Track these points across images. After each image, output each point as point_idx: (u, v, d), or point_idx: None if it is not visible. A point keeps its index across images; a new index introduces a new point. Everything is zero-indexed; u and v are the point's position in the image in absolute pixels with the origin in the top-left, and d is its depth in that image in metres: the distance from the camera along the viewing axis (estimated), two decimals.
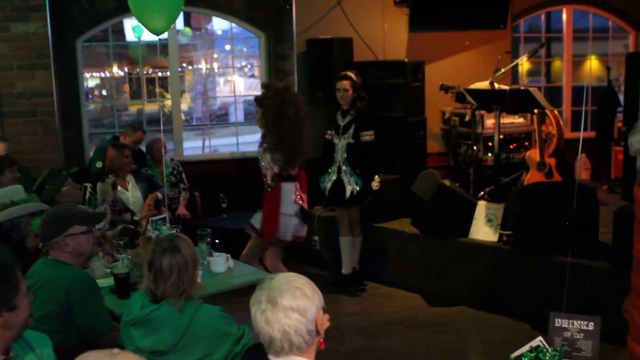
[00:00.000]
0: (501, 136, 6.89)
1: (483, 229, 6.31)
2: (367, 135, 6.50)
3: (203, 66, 15.78)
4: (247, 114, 15.02)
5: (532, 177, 7.07)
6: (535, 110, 6.94)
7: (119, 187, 6.41)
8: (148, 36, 7.17)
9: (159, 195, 6.44)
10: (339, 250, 6.83)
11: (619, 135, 8.42)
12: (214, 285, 4.37)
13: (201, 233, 4.88)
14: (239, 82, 15.19)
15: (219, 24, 12.92)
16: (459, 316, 6.13)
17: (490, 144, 7.27)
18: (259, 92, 7.59)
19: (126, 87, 13.12)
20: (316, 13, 7.78)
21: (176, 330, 3.15)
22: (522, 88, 7.01)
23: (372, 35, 7.93)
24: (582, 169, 8.86)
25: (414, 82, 7.36)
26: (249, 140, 10.70)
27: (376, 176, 6.53)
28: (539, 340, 3.18)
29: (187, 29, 12.05)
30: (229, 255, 4.77)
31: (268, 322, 2.32)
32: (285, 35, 8.40)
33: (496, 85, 6.94)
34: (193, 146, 11.69)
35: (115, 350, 1.86)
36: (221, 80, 16.64)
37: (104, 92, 14.02)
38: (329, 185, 6.64)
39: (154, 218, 5.16)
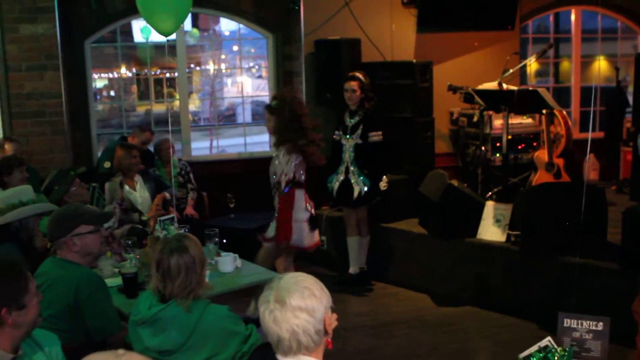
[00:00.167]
0: (509, 137, 6.89)
1: (491, 229, 6.30)
2: (375, 136, 6.50)
3: (211, 67, 15.78)
4: (255, 114, 15.03)
5: (540, 177, 7.05)
6: (544, 111, 6.93)
7: (127, 187, 6.44)
8: (156, 37, 7.20)
9: (167, 195, 6.45)
10: (347, 250, 6.84)
11: (628, 136, 8.39)
12: (221, 285, 4.38)
13: (209, 233, 4.89)
14: (247, 83, 15.20)
15: (227, 25, 12.92)
16: (467, 316, 6.12)
17: (498, 144, 7.26)
18: (266, 93, 7.61)
19: (134, 87, 13.15)
20: (324, 14, 7.78)
21: (184, 329, 3.15)
22: (530, 88, 7.00)
23: (380, 36, 7.93)
24: (591, 170, 8.82)
25: (422, 83, 7.35)
26: (257, 141, 10.72)
27: (384, 176, 6.54)
28: (547, 341, 3.17)
29: (195, 30, 12.05)
30: (236, 255, 4.78)
31: (276, 322, 2.32)
32: (293, 36, 8.41)
33: (504, 86, 6.92)
34: (201, 146, 11.69)
35: (121, 351, 1.86)
36: (229, 81, 16.65)
37: (112, 93, 14.05)
38: (336, 185, 6.65)
39: (162, 218, 5.17)
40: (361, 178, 6.52)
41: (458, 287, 6.46)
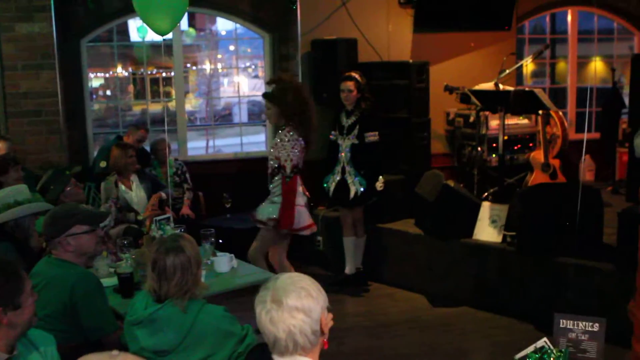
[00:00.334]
0: (505, 137, 6.89)
1: (487, 229, 6.30)
2: (372, 136, 6.49)
3: (207, 66, 15.77)
4: (251, 114, 15.01)
5: (536, 178, 7.06)
6: (540, 112, 6.93)
7: (123, 187, 6.43)
8: (152, 37, 7.18)
9: (163, 195, 6.45)
10: (343, 250, 6.83)
11: (624, 137, 8.41)
12: (217, 285, 4.37)
13: (205, 233, 4.89)
14: (243, 83, 15.19)
15: (224, 25, 12.90)
16: (463, 317, 6.13)
17: (494, 145, 7.27)
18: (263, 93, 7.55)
19: (130, 87, 13.13)
20: (321, 14, 7.78)
21: (180, 330, 3.14)
22: (526, 89, 7.00)
23: (376, 36, 7.93)
24: (587, 170, 8.84)
25: (418, 83, 7.35)
26: (253, 141, 10.72)
27: (380, 177, 6.53)
28: (543, 341, 3.17)
29: (192, 30, 12.05)
30: (232, 255, 4.77)
31: (273, 322, 2.32)
32: (290, 36, 8.41)
33: (501, 87, 6.94)
34: (197, 146, 11.69)
35: (115, 352, 1.86)
36: (225, 80, 16.64)
37: (108, 92, 14.05)
38: (332, 185, 6.64)
39: (158, 218, 5.16)
40: (357, 178, 6.52)
41: (454, 287, 6.46)
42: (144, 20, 5.60)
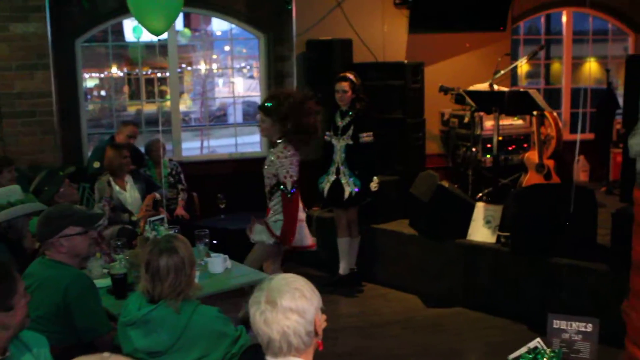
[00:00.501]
0: (500, 138, 6.91)
1: (481, 230, 6.31)
2: (366, 137, 6.49)
3: (202, 67, 15.76)
4: (246, 115, 15.01)
5: (530, 178, 7.07)
6: (534, 112, 6.94)
7: (117, 188, 6.42)
8: (147, 37, 7.17)
9: (157, 195, 6.43)
10: (337, 251, 6.83)
11: (618, 138, 8.42)
12: (211, 285, 4.37)
13: (199, 234, 4.89)
14: (238, 83, 15.18)
15: (219, 25, 12.89)
16: (457, 317, 6.13)
17: (489, 145, 7.28)
18: (258, 93, 7.55)
19: (125, 88, 13.12)
20: (316, 14, 7.78)
21: (173, 330, 3.14)
22: (521, 90, 7.02)
23: (371, 36, 7.93)
24: (581, 171, 8.86)
25: (413, 84, 7.35)
26: (248, 141, 10.71)
27: (375, 177, 6.53)
28: (537, 342, 3.18)
29: (186, 30, 12.04)
30: (226, 256, 4.77)
31: (267, 323, 2.32)
32: (285, 37, 8.40)
33: (495, 87, 6.95)
34: (191, 147, 11.66)
35: (106, 354, 1.85)
36: (220, 81, 16.63)
37: (102, 93, 14.02)
38: (327, 186, 6.64)
39: (152, 218, 5.16)
40: (352, 179, 6.52)
41: (448, 288, 6.46)
42: (139, 21, 5.60)
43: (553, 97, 10.12)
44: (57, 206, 4.03)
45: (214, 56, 15.43)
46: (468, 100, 6.95)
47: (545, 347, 3.15)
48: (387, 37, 8.03)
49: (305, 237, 5.80)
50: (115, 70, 9.73)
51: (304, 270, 6.77)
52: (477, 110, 7.14)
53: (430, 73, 7.64)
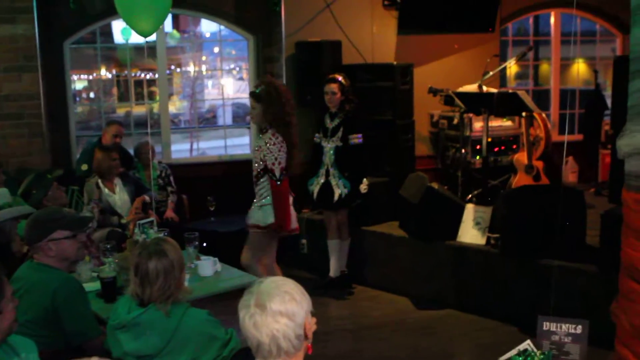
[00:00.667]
0: (489, 139, 6.92)
1: (471, 232, 6.31)
2: (356, 138, 6.49)
3: (191, 69, 15.74)
4: (236, 116, 14.99)
5: (520, 180, 7.08)
6: (523, 113, 6.95)
7: (107, 190, 6.39)
8: (136, 38, 7.15)
9: (147, 198, 6.41)
10: (327, 253, 6.82)
11: (607, 138, 8.46)
12: (201, 288, 4.35)
13: (189, 236, 4.87)
14: (228, 85, 15.16)
15: (208, 26, 12.86)
16: (447, 319, 6.14)
17: (478, 146, 7.29)
18: (247, 95, 7.50)
19: (114, 89, 13.08)
20: (305, 16, 7.77)
21: (163, 334, 3.13)
22: (510, 91, 7.03)
23: (361, 38, 7.93)
24: (570, 172, 8.89)
25: (402, 85, 7.36)
26: (237, 143, 10.69)
27: (364, 179, 6.53)
28: (527, 344, 3.18)
29: (175, 32, 12.01)
30: (216, 258, 4.75)
31: (257, 327, 2.31)
32: (274, 38, 8.39)
33: (484, 88, 6.96)
34: (181, 149, 11.66)
35: (95, 359, 1.84)
36: (209, 82, 16.60)
37: (91, 95, 13.97)
38: (317, 188, 6.64)
39: (142, 221, 5.13)
40: (341, 181, 6.51)
41: (438, 290, 6.47)
42: (127, 22, 5.57)
43: (542, 98, 10.16)
44: (46, 209, 4.00)
45: (203, 58, 15.41)
46: (457, 101, 6.96)
47: (535, 349, 3.16)
48: (376, 38, 8.03)
49: (293, 221, 5.75)
50: (104, 72, 9.68)
51: (294, 272, 6.78)
52: (466, 112, 7.15)
53: (420, 74, 7.66)
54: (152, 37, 6.57)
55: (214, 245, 6.11)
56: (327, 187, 6.56)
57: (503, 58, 8.80)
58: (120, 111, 13.92)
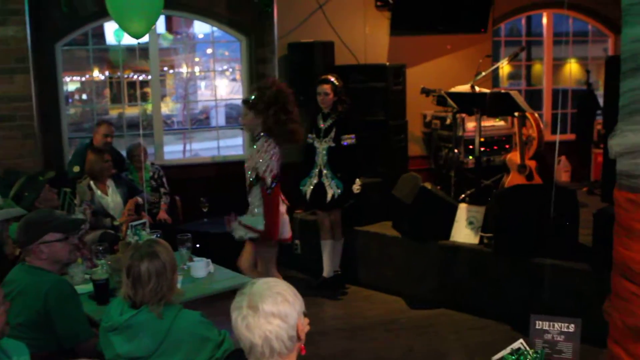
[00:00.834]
0: (482, 139, 6.94)
1: (464, 231, 6.32)
2: (348, 139, 6.50)
3: (184, 70, 15.68)
4: (229, 117, 14.96)
5: (512, 179, 7.10)
6: (516, 113, 6.97)
7: (99, 192, 6.38)
8: (129, 40, 7.13)
9: (140, 200, 6.40)
10: (321, 253, 6.82)
11: (599, 138, 8.49)
12: (194, 290, 4.34)
13: (181, 238, 4.85)
14: (221, 86, 15.12)
15: (200, 28, 12.84)
16: (440, 319, 6.14)
17: (471, 146, 7.31)
18: (240, 96, 7.47)
19: (107, 91, 13.05)
20: (298, 17, 7.77)
21: (156, 335, 3.12)
22: (502, 91, 7.04)
23: (353, 38, 7.94)
24: (562, 172, 8.91)
25: (395, 86, 7.37)
26: (230, 144, 10.67)
27: (357, 179, 6.53)
28: (520, 343, 3.19)
29: (167, 34, 11.98)
30: (209, 260, 4.74)
31: (249, 328, 2.31)
32: (267, 39, 8.39)
33: (477, 89, 6.97)
34: (174, 150, 11.63)
35: None
36: (202, 84, 16.56)
37: (84, 96, 13.92)
38: (310, 189, 6.64)
39: (134, 223, 5.12)
40: (334, 181, 6.52)
41: (431, 289, 6.47)
42: (119, 23, 5.57)
43: (534, 98, 10.19)
44: (37, 212, 3.99)
45: (196, 59, 15.35)
46: (450, 101, 6.97)
47: (528, 348, 3.16)
48: (369, 39, 8.04)
49: (286, 231, 5.67)
50: (96, 74, 9.67)
51: (288, 273, 6.76)
52: (459, 112, 7.17)
53: (412, 75, 7.67)
54: (145, 39, 6.54)
55: (207, 246, 6.08)
56: (320, 188, 6.56)
57: (495, 58, 8.82)
58: (113, 113, 13.89)
